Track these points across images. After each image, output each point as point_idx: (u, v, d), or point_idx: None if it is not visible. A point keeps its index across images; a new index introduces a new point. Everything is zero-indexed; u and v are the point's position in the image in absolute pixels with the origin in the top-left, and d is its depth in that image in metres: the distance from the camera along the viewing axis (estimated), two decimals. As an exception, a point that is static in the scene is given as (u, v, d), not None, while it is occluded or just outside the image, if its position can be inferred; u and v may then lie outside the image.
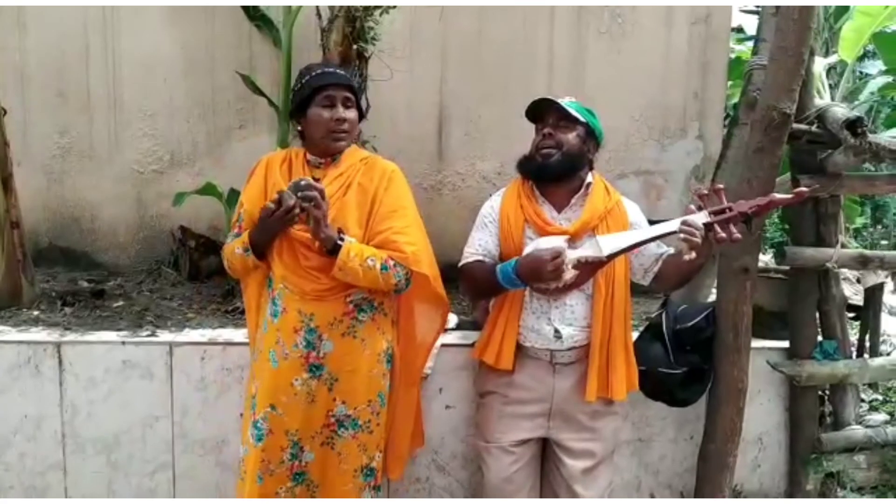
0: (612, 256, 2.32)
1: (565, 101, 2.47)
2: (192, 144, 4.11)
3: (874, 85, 9.44)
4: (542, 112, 2.50)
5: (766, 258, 5.10)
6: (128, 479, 2.99)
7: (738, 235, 2.21)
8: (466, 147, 4.13)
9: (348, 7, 3.23)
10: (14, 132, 3.54)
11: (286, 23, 3.64)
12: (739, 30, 9.04)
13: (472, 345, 2.80)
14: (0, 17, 4.05)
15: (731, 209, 2.21)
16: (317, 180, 2.30)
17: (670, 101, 4.14)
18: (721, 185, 2.29)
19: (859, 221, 11.33)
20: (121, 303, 3.54)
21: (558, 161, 2.43)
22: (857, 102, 10.06)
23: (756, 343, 3.07)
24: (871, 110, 10.82)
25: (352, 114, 2.39)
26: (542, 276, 2.30)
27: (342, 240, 2.27)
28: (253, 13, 3.93)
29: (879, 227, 11.96)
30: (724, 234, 2.19)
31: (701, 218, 2.23)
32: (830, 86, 7.18)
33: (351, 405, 2.40)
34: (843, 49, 6.32)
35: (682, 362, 2.83)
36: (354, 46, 3.31)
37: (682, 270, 2.42)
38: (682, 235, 2.23)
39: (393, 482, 2.93)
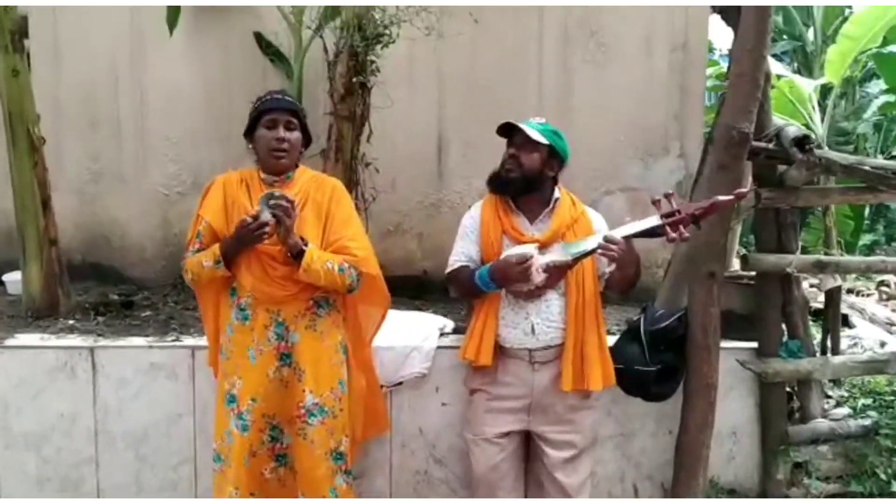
0: (576, 260, 2.55)
1: (533, 123, 2.70)
2: (211, 169, 4.19)
3: (876, 104, 9.62)
4: (511, 133, 2.73)
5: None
6: (154, 472, 3.17)
7: (687, 235, 2.43)
8: (464, 167, 4.33)
9: (352, 43, 3.51)
10: (50, 159, 3.74)
11: (297, 57, 3.91)
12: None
13: (465, 346, 2.99)
14: (37, 51, 4.30)
15: (679, 212, 2.42)
16: None
17: (652, 122, 4.34)
18: (671, 192, 2.49)
19: (868, 238, 11.43)
20: (148, 312, 3.77)
21: (516, 178, 2.68)
22: (860, 121, 10.27)
23: (728, 343, 3.26)
24: (879, 129, 10.99)
25: (293, 135, 2.61)
26: (511, 278, 2.55)
27: (306, 245, 2.53)
28: (267, 48, 4.20)
29: (895, 244, 12.04)
30: (674, 235, 2.42)
31: (653, 221, 2.45)
32: (824, 107, 7.40)
33: (317, 393, 2.64)
34: (829, 72, 6.54)
35: (656, 360, 3.00)
36: (358, 78, 3.58)
37: (619, 279, 2.66)
38: (599, 251, 2.48)
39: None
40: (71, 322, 3.55)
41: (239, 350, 2.65)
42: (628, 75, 4.35)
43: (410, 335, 3.22)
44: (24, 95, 3.56)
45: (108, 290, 4.24)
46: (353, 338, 2.86)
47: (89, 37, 4.36)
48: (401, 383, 3.16)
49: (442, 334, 3.35)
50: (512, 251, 2.60)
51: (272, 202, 2.44)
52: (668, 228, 2.42)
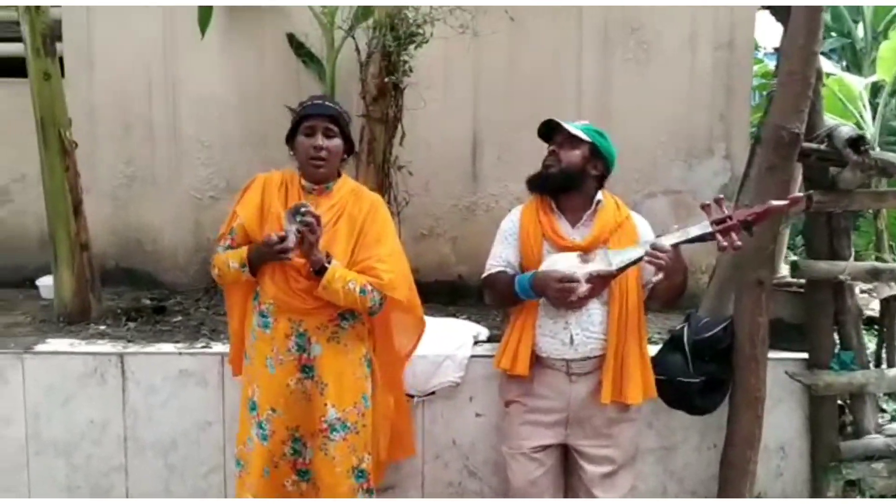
0: (621, 270, 2.45)
1: (575, 124, 2.63)
2: (245, 172, 4.09)
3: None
4: (551, 132, 2.67)
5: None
6: (183, 480, 3.14)
7: (739, 242, 2.31)
8: (499, 170, 4.26)
9: (384, 43, 3.43)
10: (83, 163, 3.75)
11: (329, 58, 3.85)
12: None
13: (500, 355, 2.92)
14: (70, 55, 4.31)
15: (730, 218, 2.31)
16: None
17: (696, 123, 4.22)
18: (721, 196, 2.40)
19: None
20: (179, 318, 3.76)
21: (555, 174, 2.61)
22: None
23: (776, 354, 3.14)
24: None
25: (332, 143, 2.53)
26: (550, 295, 2.49)
27: (329, 263, 2.45)
28: (298, 49, 4.16)
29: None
30: (725, 242, 2.31)
31: (703, 228, 2.35)
32: (875, 105, 7.16)
33: (340, 408, 2.56)
34: (880, 69, 6.33)
35: (700, 372, 2.89)
36: (390, 79, 3.50)
37: (665, 288, 2.55)
38: (646, 258, 2.38)
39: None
40: (102, 328, 3.55)
41: (259, 358, 2.60)
42: (671, 74, 4.23)
43: (443, 343, 3.15)
44: (56, 99, 3.56)
45: (141, 295, 4.24)
46: (382, 354, 2.79)
47: (122, 40, 4.36)
48: (433, 393, 3.10)
49: (476, 342, 3.29)
50: (554, 260, 2.52)
51: (298, 217, 2.38)
52: (719, 236, 2.32)
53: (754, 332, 3.00)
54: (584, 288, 2.44)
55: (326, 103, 2.62)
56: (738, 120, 4.25)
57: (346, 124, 2.61)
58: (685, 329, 3.03)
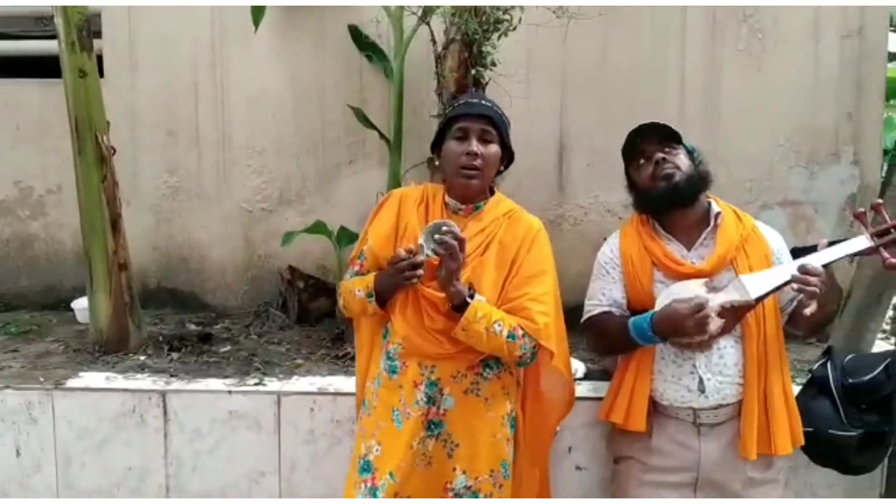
0: (760, 299, 2.09)
1: None
2: (301, 181, 4.02)
3: None
4: (640, 143, 2.30)
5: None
6: None
7: None
8: (589, 178, 3.89)
9: (465, 31, 3.04)
10: (123, 171, 3.52)
11: (398, 52, 3.50)
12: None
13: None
14: (112, 56, 4.09)
15: (895, 228, 2.04)
16: None
17: (820, 123, 3.79)
18: (880, 201, 2.10)
19: None
20: (228, 347, 3.45)
21: (684, 180, 2.23)
22: None
23: None
24: None
25: (489, 149, 2.18)
26: (683, 333, 2.10)
27: (472, 297, 2.07)
28: (363, 44, 3.83)
29: None
30: (893, 259, 2.02)
31: (862, 243, 2.07)
32: None
33: (472, 475, 2.17)
34: None
35: (856, 423, 2.46)
36: (472, 72, 3.13)
37: (816, 316, 2.14)
38: (795, 286, 2.03)
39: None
40: (142, 358, 3.28)
41: (383, 409, 2.22)
42: (789, 67, 3.78)
43: None
44: (93, 99, 3.25)
45: (185, 318, 3.98)
46: (531, 417, 2.37)
47: (167, 37, 4.09)
48: None
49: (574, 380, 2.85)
50: (674, 292, 2.15)
51: (437, 236, 2.02)
52: (883, 250, 2.05)
53: (924, 375, 2.51)
54: (716, 324, 2.09)
55: (483, 102, 2.26)
56: (869, 119, 3.78)
57: (505, 128, 2.23)
58: (829, 368, 2.56)
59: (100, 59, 3.70)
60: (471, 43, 3.08)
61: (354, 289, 2.23)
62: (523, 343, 2.12)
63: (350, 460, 2.31)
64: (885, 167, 3.76)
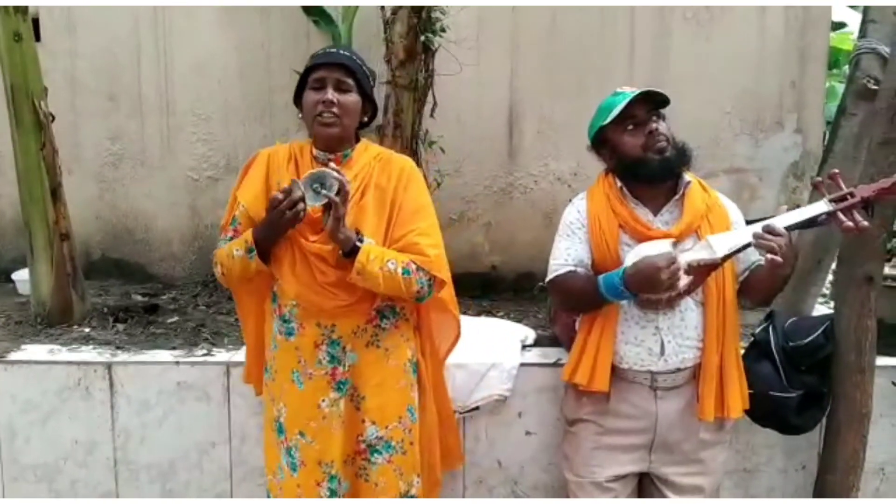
0: (726, 258, 2.15)
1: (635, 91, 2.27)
2: (247, 148, 3.91)
3: None
4: (631, 108, 2.24)
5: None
6: None
7: (865, 223, 2.07)
8: (539, 146, 3.91)
9: None
10: (64, 139, 3.43)
11: (346, 17, 3.52)
12: (840, 25, 8.53)
13: (554, 364, 2.62)
14: (49, 20, 3.98)
15: (852, 195, 2.09)
16: None
17: (765, 91, 3.87)
18: (836, 171, 2.14)
19: None
20: (175, 318, 3.40)
21: (675, 156, 2.22)
22: None
23: (880, 361, 2.74)
24: None
25: (348, 98, 2.13)
26: (657, 286, 2.10)
27: (361, 241, 2.06)
28: (310, 9, 3.77)
29: None
30: (849, 223, 2.05)
31: (821, 207, 2.10)
32: None
33: (381, 424, 2.21)
34: None
35: (796, 384, 2.54)
36: (421, 38, 3.11)
37: (767, 283, 2.24)
38: (756, 243, 2.08)
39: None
40: (86, 330, 3.21)
41: (283, 371, 2.22)
42: (736, 36, 3.84)
43: (487, 350, 2.80)
44: (28, 64, 3.15)
45: (131, 290, 3.92)
46: (428, 353, 2.40)
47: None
48: (476, 408, 2.75)
49: (523, 347, 2.92)
50: (642, 249, 2.16)
51: (314, 185, 1.99)
52: (841, 215, 2.08)
53: (861, 338, 2.59)
54: (684, 281, 2.12)
55: (342, 52, 2.20)
56: (812, 88, 3.87)
57: (365, 78, 2.17)
58: (770, 332, 2.63)
59: (36, 22, 3.59)
60: (420, 8, 3.07)
61: (232, 251, 2.17)
62: (418, 277, 2.11)
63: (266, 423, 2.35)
64: (827, 135, 3.85)
